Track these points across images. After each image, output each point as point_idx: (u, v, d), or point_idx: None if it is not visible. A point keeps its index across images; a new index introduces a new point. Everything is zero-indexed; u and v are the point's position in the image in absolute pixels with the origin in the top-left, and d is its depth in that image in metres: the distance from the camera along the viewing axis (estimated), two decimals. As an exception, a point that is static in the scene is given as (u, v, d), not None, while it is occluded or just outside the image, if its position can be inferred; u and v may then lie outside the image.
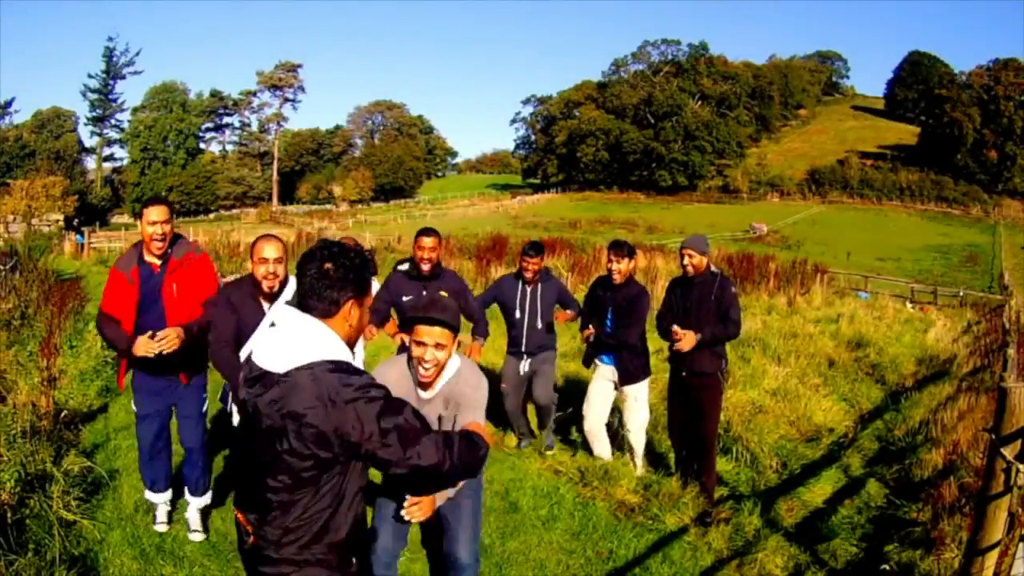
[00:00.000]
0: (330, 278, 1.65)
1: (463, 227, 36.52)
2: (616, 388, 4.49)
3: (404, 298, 4.12)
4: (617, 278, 4.25)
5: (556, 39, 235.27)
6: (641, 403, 4.43)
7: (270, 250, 3.13)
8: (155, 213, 3.17)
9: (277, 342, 1.65)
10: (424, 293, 3.88)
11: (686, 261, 4.08)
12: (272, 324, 1.74)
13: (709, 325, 4.02)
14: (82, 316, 8.07)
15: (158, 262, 3.22)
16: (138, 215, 3.26)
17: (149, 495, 3.53)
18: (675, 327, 4.02)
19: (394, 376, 2.44)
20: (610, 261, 4.29)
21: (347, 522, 1.68)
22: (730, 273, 16.54)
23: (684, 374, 4.13)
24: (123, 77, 67.79)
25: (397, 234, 29.49)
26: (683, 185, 69.54)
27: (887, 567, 3.45)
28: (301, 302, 1.68)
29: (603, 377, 4.51)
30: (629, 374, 4.37)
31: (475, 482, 2.75)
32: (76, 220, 38.88)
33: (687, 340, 3.97)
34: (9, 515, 3.18)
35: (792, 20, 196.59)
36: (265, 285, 3.12)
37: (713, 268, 4.15)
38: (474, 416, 2.40)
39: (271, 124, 74.83)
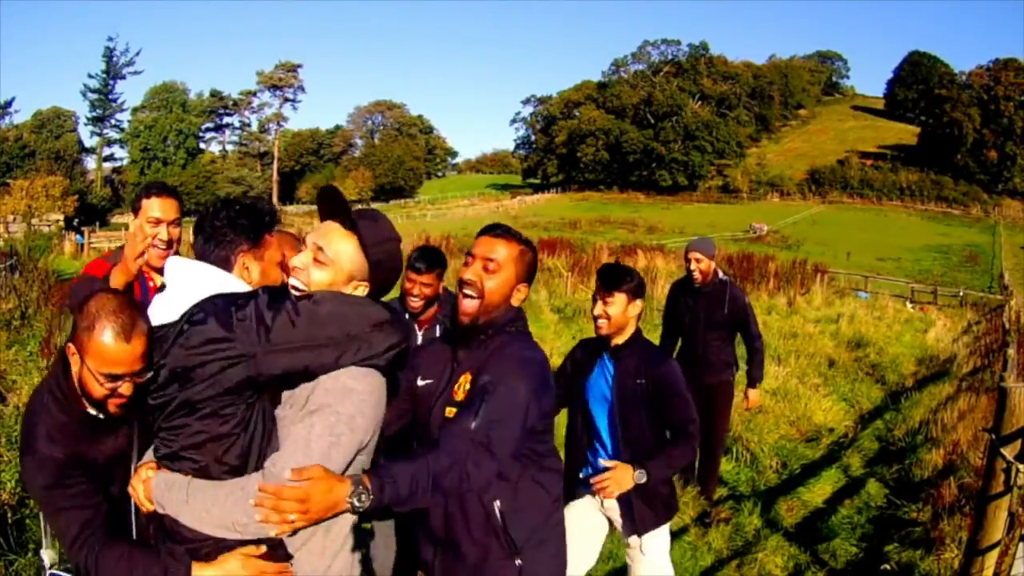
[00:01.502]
0: (217, 235, 1.49)
1: (463, 227, 36.44)
2: (610, 528, 2.56)
3: None
4: (604, 327, 2.39)
5: (556, 39, 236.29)
6: (660, 561, 2.49)
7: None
8: (160, 207, 2.25)
9: (172, 295, 1.45)
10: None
11: (693, 267, 3.82)
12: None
13: (713, 338, 3.89)
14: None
15: (159, 279, 2.23)
16: (135, 209, 2.33)
17: None
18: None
19: None
20: (596, 301, 2.41)
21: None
22: (731, 273, 16.52)
23: (693, 383, 3.95)
24: (123, 77, 67.66)
25: (397, 234, 29.35)
26: (683, 185, 69.47)
27: (887, 567, 3.45)
28: None
29: (588, 513, 2.52)
30: (644, 515, 2.41)
31: None
32: (76, 220, 38.69)
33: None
34: (9, 515, 3.18)
35: (792, 20, 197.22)
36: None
37: (721, 275, 3.91)
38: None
39: (271, 124, 74.92)
